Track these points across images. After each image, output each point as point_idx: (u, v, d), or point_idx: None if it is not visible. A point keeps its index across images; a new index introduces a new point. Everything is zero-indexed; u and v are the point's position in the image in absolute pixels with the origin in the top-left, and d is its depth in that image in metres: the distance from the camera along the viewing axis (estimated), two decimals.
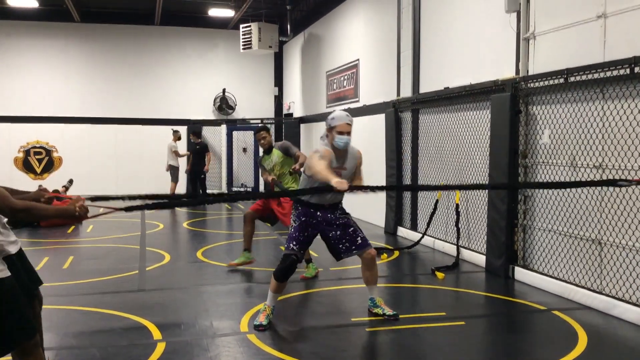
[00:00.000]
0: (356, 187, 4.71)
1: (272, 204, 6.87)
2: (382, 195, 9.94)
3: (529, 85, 6.42)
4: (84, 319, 5.19)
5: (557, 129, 6.06)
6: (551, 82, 6.04)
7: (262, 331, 4.75)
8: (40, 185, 3.66)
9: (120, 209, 3.42)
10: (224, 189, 16.13)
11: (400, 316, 5.09)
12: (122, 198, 3.54)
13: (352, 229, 4.97)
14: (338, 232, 4.94)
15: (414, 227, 9.31)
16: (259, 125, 7.51)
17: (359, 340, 4.72)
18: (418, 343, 4.66)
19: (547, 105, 6.22)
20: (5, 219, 3.16)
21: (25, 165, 16.08)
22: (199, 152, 14.71)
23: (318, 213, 4.92)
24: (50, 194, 3.48)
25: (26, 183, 14.97)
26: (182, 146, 15.71)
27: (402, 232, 9.52)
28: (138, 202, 3.65)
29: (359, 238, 4.97)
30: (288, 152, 6.85)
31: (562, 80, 5.85)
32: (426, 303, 5.98)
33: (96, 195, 3.26)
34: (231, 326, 4.97)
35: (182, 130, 16.28)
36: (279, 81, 17.70)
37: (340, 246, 4.96)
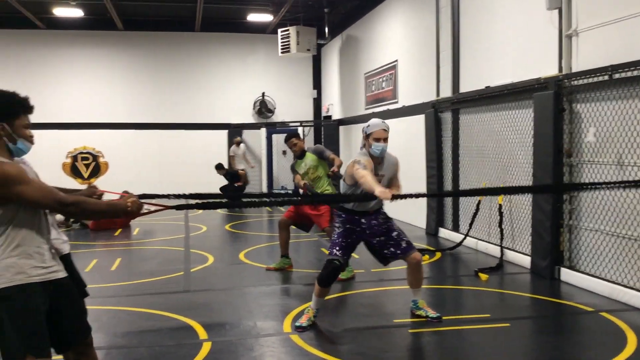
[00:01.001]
0: (400, 196, 4.42)
1: (306, 209, 6.89)
2: None
3: (572, 82, 6.30)
4: (132, 319, 5.33)
5: (602, 127, 5.93)
6: (595, 79, 5.91)
7: (301, 332, 4.80)
8: (90, 183, 3.76)
9: (171, 207, 3.43)
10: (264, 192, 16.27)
11: (444, 318, 5.06)
12: (168, 197, 3.62)
13: (396, 233, 4.97)
14: (382, 238, 4.94)
15: (455, 228, 9.23)
16: (291, 130, 7.56)
17: (401, 341, 4.72)
18: (462, 345, 4.63)
19: (592, 102, 6.10)
20: (58, 218, 3.24)
21: (73, 171, 16.47)
22: (229, 182, 14.99)
23: (362, 220, 4.91)
24: (101, 191, 3.56)
25: (74, 188, 15.41)
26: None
27: (444, 233, 9.45)
28: (184, 201, 3.74)
29: (403, 242, 4.95)
30: (322, 155, 6.87)
31: (606, 78, 5.73)
32: (470, 305, 5.92)
33: (143, 193, 3.28)
34: (274, 327, 5.04)
35: (219, 133, 16.61)
36: (317, 84, 17.78)
37: (386, 251, 4.95)
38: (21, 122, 2.88)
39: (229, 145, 16.60)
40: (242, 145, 15.90)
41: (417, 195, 4.44)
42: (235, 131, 16.64)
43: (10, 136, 2.84)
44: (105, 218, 10.43)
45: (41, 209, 2.90)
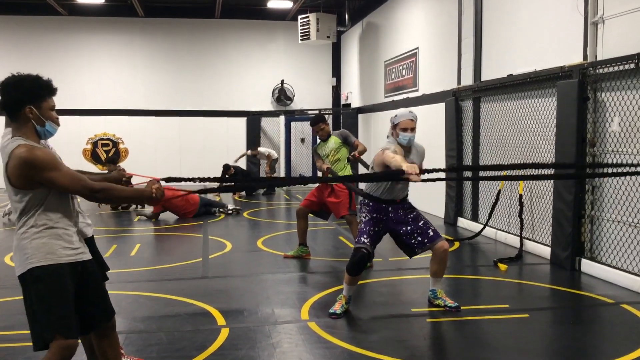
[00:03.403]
0: (428, 171, 4.21)
1: (325, 197, 6.89)
2: (442, 185, 9.81)
3: (597, 71, 6.18)
4: (151, 304, 5.37)
5: (627, 116, 5.82)
6: (621, 67, 5.80)
7: (335, 319, 4.82)
8: (118, 166, 3.80)
9: (194, 192, 3.51)
10: None
11: (462, 308, 5.04)
12: (193, 180, 3.65)
13: (422, 222, 4.94)
14: (409, 228, 4.91)
15: (474, 217, 9.15)
16: (315, 115, 7.55)
17: (419, 330, 4.70)
18: (480, 335, 4.59)
19: (617, 91, 5.98)
20: (81, 200, 3.26)
21: (94, 157, 16.71)
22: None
23: (390, 209, 4.90)
24: (129, 174, 3.60)
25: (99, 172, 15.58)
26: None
27: (463, 222, 9.38)
28: (205, 186, 3.77)
29: (430, 230, 4.92)
30: (347, 140, 6.88)
31: (632, 66, 5.61)
32: (488, 295, 5.88)
33: (169, 176, 3.30)
34: (292, 314, 5.04)
35: (238, 120, 16.63)
36: (336, 71, 17.69)
37: (413, 241, 4.92)
38: (47, 104, 2.94)
39: (248, 133, 16.63)
40: (261, 148, 15.57)
41: (446, 173, 4.34)
42: (254, 118, 16.66)
43: (39, 119, 2.90)
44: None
45: (70, 194, 2.95)
